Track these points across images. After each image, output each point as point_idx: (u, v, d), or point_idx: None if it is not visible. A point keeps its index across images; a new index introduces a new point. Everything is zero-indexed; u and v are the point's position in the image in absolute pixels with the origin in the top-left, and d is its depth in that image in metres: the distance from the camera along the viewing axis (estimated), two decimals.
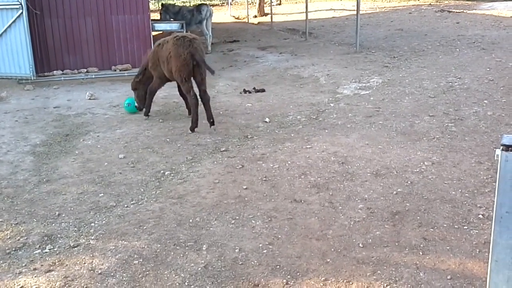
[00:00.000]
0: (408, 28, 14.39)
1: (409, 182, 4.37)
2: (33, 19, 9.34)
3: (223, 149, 5.47)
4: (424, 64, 9.31)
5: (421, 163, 4.75)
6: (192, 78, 6.11)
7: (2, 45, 9.29)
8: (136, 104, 7.05)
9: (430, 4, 21.07)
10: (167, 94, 8.29)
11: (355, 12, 12.01)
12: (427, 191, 4.18)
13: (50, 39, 9.66)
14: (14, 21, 9.06)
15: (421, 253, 3.29)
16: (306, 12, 14.58)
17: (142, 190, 4.46)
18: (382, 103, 6.92)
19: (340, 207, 3.97)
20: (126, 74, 9.69)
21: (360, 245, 3.42)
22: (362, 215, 3.83)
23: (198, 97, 6.18)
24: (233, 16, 24.35)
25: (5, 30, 9.16)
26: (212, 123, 6.19)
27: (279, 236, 3.57)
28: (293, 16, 20.98)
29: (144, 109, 6.89)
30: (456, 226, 3.60)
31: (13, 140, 5.93)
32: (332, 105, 7.09)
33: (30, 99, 8.12)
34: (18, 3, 8.87)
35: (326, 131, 5.89)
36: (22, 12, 8.94)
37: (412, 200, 4.04)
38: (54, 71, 9.55)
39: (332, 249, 3.38)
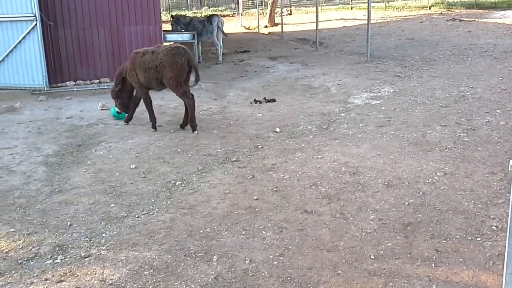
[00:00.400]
0: (419, 37, 14.35)
1: (421, 193, 4.33)
2: (47, 30, 9.48)
3: (234, 159, 5.48)
4: (436, 74, 9.26)
5: (433, 174, 4.71)
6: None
7: (16, 56, 9.42)
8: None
9: (441, 13, 21.01)
10: (178, 105, 8.33)
11: (365, 22, 12.01)
12: (439, 202, 4.14)
13: (63, 50, 9.79)
14: (28, 33, 9.18)
15: (433, 265, 3.25)
16: (317, 22, 14.62)
17: (153, 200, 4.47)
18: (394, 113, 6.89)
19: (352, 218, 3.95)
20: None
21: (372, 256, 3.38)
22: (374, 226, 3.80)
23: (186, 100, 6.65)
24: (244, 26, 24.49)
25: (20, 42, 9.29)
26: (194, 128, 6.65)
27: (290, 247, 3.55)
28: (303, 26, 21.05)
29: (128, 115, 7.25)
30: (469, 238, 3.56)
31: (26, 151, 5.99)
32: (343, 115, 7.07)
33: (43, 110, 8.21)
34: (33, 15, 9.01)
35: (337, 141, 5.87)
36: (36, 24, 9.06)
37: (424, 211, 4.00)
38: (67, 82, 9.66)
39: (344, 261, 3.35)
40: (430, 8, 23.17)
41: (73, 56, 9.78)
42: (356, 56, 12.13)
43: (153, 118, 6.89)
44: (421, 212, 3.98)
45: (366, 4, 12.13)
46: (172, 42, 13.44)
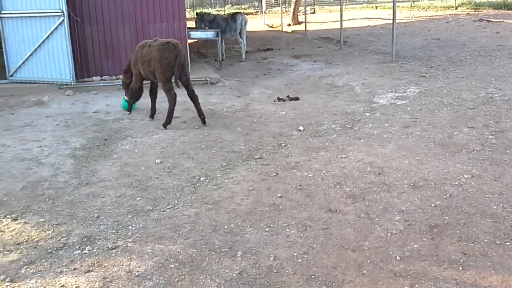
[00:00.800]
0: (445, 37, 14.14)
1: (448, 195, 4.27)
2: (74, 26, 9.63)
3: (257, 156, 5.49)
4: (463, 75, 9.12)
5: (461, 176, 4.64)
6: (179, 80, 6.70)
7: (44, 51, 9.61)
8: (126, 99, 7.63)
9: (468, 13, 20.65)
10: (202, 102, 8.36)
11: (390, 21, 11.89)
12: (466, 204, 4.08)
13: (89, 45, 9.94)
14: (56, 28, 9.35)
15: (461, 268, 3.21)
16: (341, 20, 14.53)
17: (178, 195, 4.52)
18: (420, 114, 6.81)
19: (377, 219, 3.92)
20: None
21: (397, 257, 3.36)
22: (399, 227, 3.77)
23: (188, 96, 6.90)
24: (267, 25, 24.48)
25: (47, 37, 9.47)
26: (203, 121, 6.92)
27: (314, 246, 3.54)
28: (327, 24, 20.95)
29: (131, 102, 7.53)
30: (497, 242, 3.50)
31: (54, 143, 6.11)
32: (367, 114, 7.02)
33: (70, 104, 8.36)
34: (60, 10, 9.17)
35: (362, 140, 5.84)
36: (63, 20, 9.22)
37: (451, 213, 3.95)
38: (93, 77, 9.82)
39: (369, 261, 3.33)
40: (456, 8, 22.80)
41: (99, 52, 9.92)
42: (381, 56, 12.02)
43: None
44: (448, 214, 3.93)
45: (391, 4, 12.01)
46: (196, 40, 13.54)
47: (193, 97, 6.89)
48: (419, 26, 17.47)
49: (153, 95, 7.31)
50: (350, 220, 3.90)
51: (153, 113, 7.33)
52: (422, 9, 24.15)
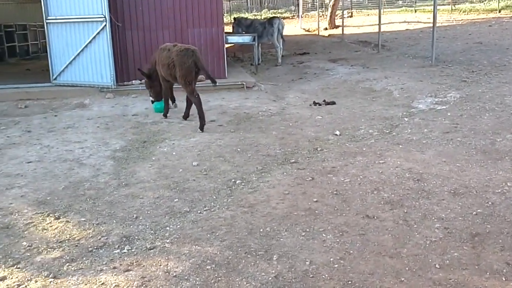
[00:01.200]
0: (487, 41, 13.73)
1: (490, 203, 4.14)
2: (115, 31, 9.90)
3: (293, 160, 5.48)
4: (506, 80, 8.82)
5: (503, 184, 4.49)
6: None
7: (86, 56, 9.91)
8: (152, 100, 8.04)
9: None
10: (238, 105, 8.46)
11: (430, 25, 11.66)
12: (510, 213, 3.94)
13: (130, 50, 10.19)
14: (98, 33, 9.63)
15: (504, 279, 3.10)
16: (379, 24, 14.34)
17: (214, 197, 4.56)
18: (460, 119, 6.63)
19: (415, 226, 3.84)
20: (199, 85, 9.94)
21: (437, 266, 3.28)
22: (439, 235, 3.68)
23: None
24: (304, 29, 24.44)
25: (90, 42, 9.76)
26: (185, 118, 7.47)
27: (351, 252, 3.51)
28: (364, 28, 20.71)
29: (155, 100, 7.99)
30: None
31: (95, 145, 6.29)
32: (406, 119, 6.90)
33: (111, 107, 8.59)
34: (103, 16, 9.44)
35: (400, 146, 5.74)
36: (105, 25, 9.49)
37: (493, 222, 3.82)
38: (133, 81, 10.05)
39: (407, 268, 3.27)
40: (500, 12, 22.08)
41: (139, 56, 10.15)
42: (420, 60, 11.79)
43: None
44: (490, 223, 3.81)
45: (431, 7, 11.78)
46: (232, 44, 13.66)
47: (189, 100, 7.30)
48: (460, 29, 17.03)
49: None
50: (388, 227, 3.84)
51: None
52: (463, 12, 23.52)
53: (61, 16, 9.91)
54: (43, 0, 9.92)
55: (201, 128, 6.87)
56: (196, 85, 9.82)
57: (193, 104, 7.11)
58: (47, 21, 10.10)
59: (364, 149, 5.73)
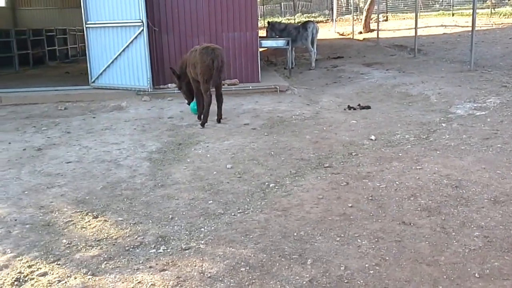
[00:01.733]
0: None
1: None
2: (152, 36, 10.10)
3: (327, 165, 5.44)
4: None
5: None
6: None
7: (124, 59, 10.15)
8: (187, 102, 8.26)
9: None
10: (272, 109, 8.48)
11: (468, 29, 11.40)
12: None
13: (166, 54, 10.38)
14: (135, 37, 9.85)
15: None
16: (416, 28, 14.11)
17: (248, 200, 4.58)
18: (501, 125, 6.44)
19: (454, 233, 3.75)
20: (233, 89, 10.08)
21: (476, 275, 3.19)
22: (478, 243, 3.58)
23: (214, 99, 7.43)
24: (338, 32, 24.28)
25: (127, 46, 10.00)
26: (218, 121, 7.55)
27: (387, 258, 3.45)
28: (400, 32, 20.41)
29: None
30: None
31: (132, 147, 6.42)
32: (444, 125, 6.75)
33: (147, 109, 8.75)
34: (140, 21, 9.65)
35: (438, 152, 5.62)
36: (143, 29, 9.69)
37: None
38: (169, 84, 10.22)
39: (445, 277, 3.19)
40: None
41: (175, 60, 10.29)
42: (458, 64, 11.52)
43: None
44: None
45: (469, 10, 11.50)
46: (265, 48, 13.71)
47: (219, 100, 7.49)
48: (500, 33, 16.53)
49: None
50: (425, 234, 3.76)
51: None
52: (503, 16, 22.83)
53: (100, 21, 10.19)
54: (83, 5, 10.23)
55: (203, 125, 7.27)
56: (230, 89, 9.97)
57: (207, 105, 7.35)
58: (87, 25, 10.40)
59: (400, 154, 5.63)
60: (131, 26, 9.83)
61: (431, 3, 28.42)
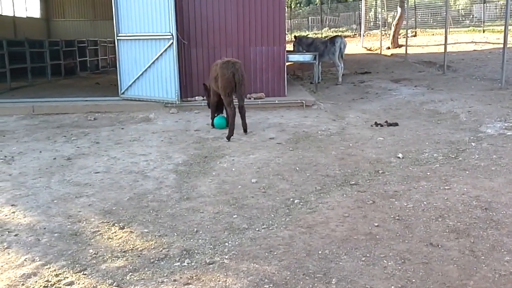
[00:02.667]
0: None
1: None
2: (181, 49, 10.26)
3: (353, 182, 5.39)
4: None
5: None
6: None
7: (153, 72, 10.32)
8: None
9: None
10: (297, 124, 8.48)
11: (499, 46, 11.22)
12: None
13: (194, 67, 10.52)
14: (165, 50, 10.02)
15: None
16: (445, 44, 13.94)
17: (272, 215, 4.57)
18: None
19: (483, 257, 3.65)
20: (259, 103, 10.12)
21: None
22: (509, 268, 3.47)
23: (237, 111, 7.54)
24: (365, 48, 24.19)
25: (157, 58, 10.17)
26: (245, 131, 7.74)
27: (413, 280, 3.38)
28: (429, 48, 20.20)
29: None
30: None
31: (159, 158, 6.50)
32: (473, 144, 6.62)
33: (174, 122, 8.86)
34: (170, 34, 9.82)
35: (467, 172, 5.50)
36: (172, 42, 9.86)
37: None
38: (196, 97, 10.34)
39: None
40: None
41: (202, 73, 10.44)
42: (488, 82, 11.31)
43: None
44: None
45: (500, 27, 11.32)
46: (292, 62, 13.76)
47: (241, 112, 7.62)
48: None
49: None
50: (453, 256, 3.68)
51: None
52: None
53: (131, 34, 10.41)
54: (115, 18, 10.48)
55: (228, 138, 7.36)
56: (256, 103, 10.02)
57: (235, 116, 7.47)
58: (118, 37, 10.65)
59: (428, 173, 5.54)
60: (161, 39, 10.00)
61: (461, 19, 28.09)
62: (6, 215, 4.67)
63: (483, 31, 24.42)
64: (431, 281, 3.37)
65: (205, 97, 8.90)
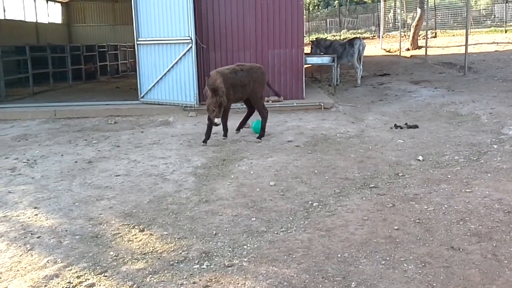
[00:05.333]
0: None
1: None
2: (200, 52, 10.33)
3: (372, 185, 5.35)
4: None
5: None
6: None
7: (172, 76, 10.41)
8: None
9: None
10: (315, 126, 8.45)
11: None
12: None
13: (212, 70, 10.55)
14: (184, 54, 10.11)
15: None
16: (466, 45, 13.73)
17: (291, 218, 4.56)
18: None
19: (506, 261, 3.59)
20: (277, 105, 10.12)
21: None
22: None
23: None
24: (384, 49, 23.99)
25: (176, 62, 10.26)
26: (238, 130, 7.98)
27: (434, 284, 3.34)
28: (449, 49, 19.94)
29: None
30: None
31: (178, 161, 6.55)
32: (495, 146, 6.51)
33: (193, 125, 8.92)
34: (189, 38, 9.90)
35: (489, 175, 5.41)
36: (191, 46, 9.93)
37: None
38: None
39: None
40: None
41: None
42: (510, 83, 11.12)
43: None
44: None
45: None
46: (310, 65, 13.71)
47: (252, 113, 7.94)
48: None
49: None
50: (474, 260, 3.62)
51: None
52: None
53: (151, 38, 10.52)
54: (135, 23, 10.61)
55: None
56: (274, 105, 10.02)
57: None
58: (138, 42, 10.77)
59: (449, 176, 5.47)
60: (180, 43, 10.09)
61: (482, 19, 27.65)
62: (29, 218, 4.77)
63: (505, 31, 23.99)
64: (452, 285, 3.32)
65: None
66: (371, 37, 30.99)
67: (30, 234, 4.38)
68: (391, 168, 5.90)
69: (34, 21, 21.94)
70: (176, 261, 3.80)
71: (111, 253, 3.98)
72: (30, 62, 13.67)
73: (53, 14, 24.17)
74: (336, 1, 40.08)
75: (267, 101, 10.26)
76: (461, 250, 3.79)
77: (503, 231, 4.06)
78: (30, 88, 13.60)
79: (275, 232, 4.27)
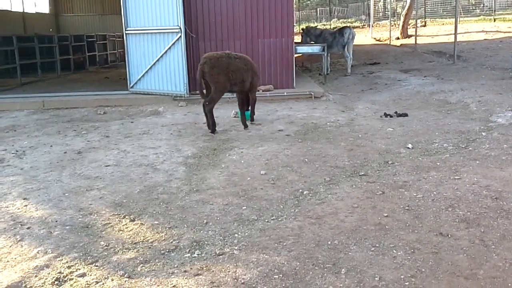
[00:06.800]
0: None
1: None
2: (189, 42, 10.27)
3: (362, 173, 5.38)
4: None
5: None
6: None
7: (161, 65, 10.36)
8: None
9: None
10: (306, 115, 8.46)
11: (510, 34, 11.06)
12: None
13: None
14: (173, 44, 10.04)
15: None
16: (455, 33, 13.80)
17: (281, 207, 4.58)
18: None
19: (493, 246, 3.64)
20: (268, 95, 10.12)
21: None
22: None
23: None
24: (374, 38, 24.01)
25: (165, 52, 10.20)
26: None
27: (423, 270, 3.38)
28: (439, 38, 20.00)
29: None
30: None
31: (168, 151, 6.54)
32: (484, 134, 6.57)
33: (183, 115, 8.89)
34: (178, 27, 9.83)
35: (477, 162, 5.47)
36: (180, 36, 9.87)
37: None
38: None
39: None
40: None
41: None
42: (499, 71, 11.19)
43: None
44: None
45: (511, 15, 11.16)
46: (300, 54, 13.70)
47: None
48: None
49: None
50: (463, 246, 3.67)
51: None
52: None
53: (139, 27, 10.44)
54: (124, 12, 10.51)
55: (212, 130, 7.45)
56: (265, 95, 10.01)
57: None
58: (126, 32, 10.68)
59: (438, 163, 5.52)
60: (169, 32, 10.02)
61: (471, 8, 27.75)
62: (18, 209, 4.74)
63: (494, 20, 24.09)
64: (441, 270, 3.37)
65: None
66: (361, 26, 30.99)
67: (20, 225, 4.36)
68: (381, 156, 5.94)
69: (21, 11, 21.62)
70: (167, 250, 3.80)
71: (102, 243, 3.98)
72: (17, 52, 13.50)
73: (41, 4, 23.84)
74: None
75: (258, 90, 10.25)
76: (449, 236, 3.84)
77: (490, 217, 4.11)
78: (18, 79, 13.45)
79: (266, 220, 4.28)
